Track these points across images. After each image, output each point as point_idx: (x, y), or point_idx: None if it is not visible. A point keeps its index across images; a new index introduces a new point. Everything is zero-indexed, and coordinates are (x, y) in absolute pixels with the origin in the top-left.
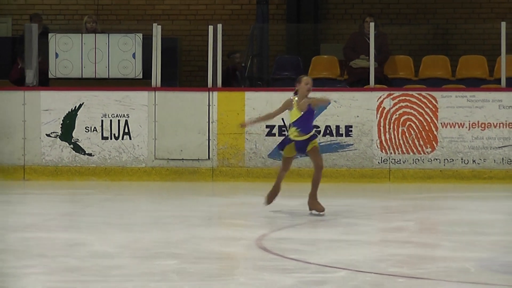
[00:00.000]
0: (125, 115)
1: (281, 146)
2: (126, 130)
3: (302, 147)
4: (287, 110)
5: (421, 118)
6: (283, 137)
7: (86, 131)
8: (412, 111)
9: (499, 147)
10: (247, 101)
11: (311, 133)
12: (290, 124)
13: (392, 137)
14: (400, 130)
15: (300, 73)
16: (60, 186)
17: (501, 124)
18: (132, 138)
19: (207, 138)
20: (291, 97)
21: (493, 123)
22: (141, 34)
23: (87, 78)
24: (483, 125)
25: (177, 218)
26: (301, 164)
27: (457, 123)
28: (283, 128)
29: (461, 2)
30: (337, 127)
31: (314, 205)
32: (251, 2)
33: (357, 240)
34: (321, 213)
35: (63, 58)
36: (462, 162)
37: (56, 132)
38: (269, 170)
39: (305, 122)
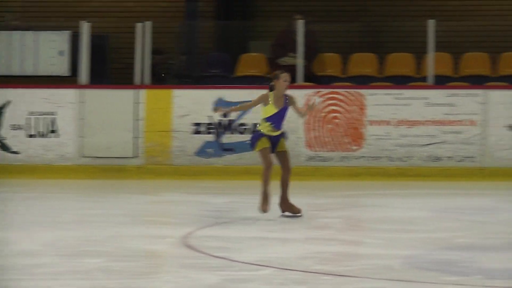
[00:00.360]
0: (52, 113)
1: (253, 143)
2: (53, 128)
3: (274, 142)
4: (260, 105)
5: (348, 116)
6: (251, 136)
7: (12, 129)
8: (339, 108)
9: (425, 145)
10: (175, 99)
11: (282, 130)
12: (263, 119)
13: (319, 134)
14: (327, 128)
15: (229, 70)
16: None
17: (428, 122)
18: (59, 136)
19: (134, 136)
20: (267, 93)
21: (420, 121)
22: (70, 32)
23: (14, 76)
24: (409, 123)
25: (103, 216)
26: (227, 161)
27: (384, 121)
28: (210, 126)
29: (389, 0)
30: None
31: (289, 207)
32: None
33: (283, 238)
34: (298, 214)
35: None
36: (388, 159)
37: None
38: (196, 168)
39: (279, 119)
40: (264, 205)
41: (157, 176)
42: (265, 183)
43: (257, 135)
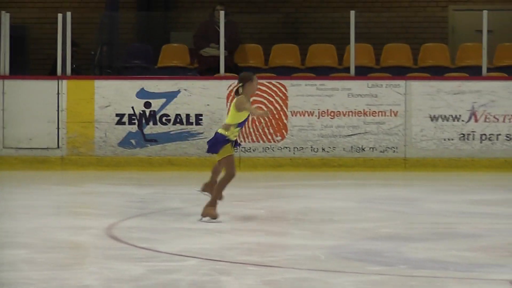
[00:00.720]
0: None
1: (215, 149)
2: None
3: (235, 146)
4: (232, 110)
5: (271, 107)
6: (212, 140)
7: None
8: (262, 99)
9: (348, 135)
10: (96, 90)
11: None
12: (233, 125)
13: None
14: (250, 119)
15: (151, 61)
16: None
17: (350, 113)
18: None
19: (57, 126)
20: (242, 97)
21: (342, 112)
22: None
23: None
24: (332, 114)
25: (26, 207)
26: (150, 152)
27: (307, 112)
28: (133, 117)
29: None
30: (187, 115)
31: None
32: None
33: (207, 229)
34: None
35: None
36: (311, 150)
37: None
38: (119, 159)
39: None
40: (215, 211)
41: (80, 167)
42: (221, 191)
43: (222, 140)
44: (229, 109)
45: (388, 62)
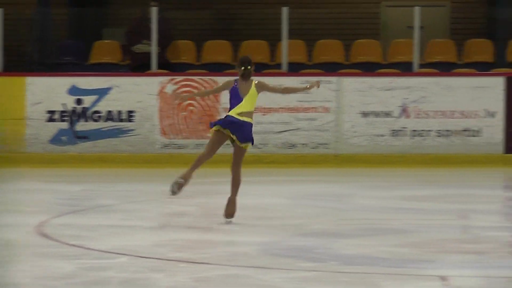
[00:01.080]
0: None
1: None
2: None
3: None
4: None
5: (203, 103)
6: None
7: None
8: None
9: (280, 132)
10: (28, 86)
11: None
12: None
13: (174, 122)
14: (182, 115)
15: (83, 58)
16: None
17: (282, 109)
18: None
19: None
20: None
21: (274, 108)
22: None
23: None
24: (264, 110)
25: None
26: (81, 149)
27: None
28: (64, 114)
29: None
30: (119, 112)
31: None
32: None
33: (138, 226)
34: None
35: None
36: None
37: None
38: (50, 156)
39: None
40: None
41: (11, 164)
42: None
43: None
44: (243, 96)
45: (321, 58)
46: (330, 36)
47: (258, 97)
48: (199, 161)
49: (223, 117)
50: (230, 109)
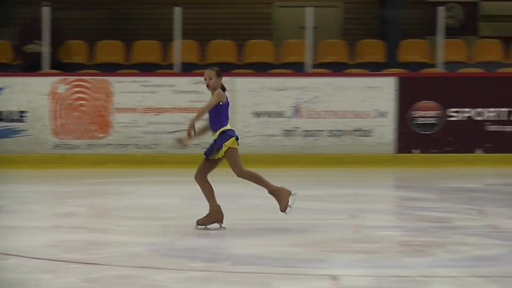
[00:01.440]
0: None
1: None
2: None
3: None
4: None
5: (95, 103)
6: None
7: None
8: (86, 96)
9: (172, 132)
10: None
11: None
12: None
13: (66, 122)
14: (73, 116)
15: None
16: None
17: (174, 109)
18: None
19: None
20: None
21: (167, 108)
22: None
23: None
24: (156, 110)
25: None
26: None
27: (131, 108)
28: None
29: None
30: (10, 112)
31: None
32: None
33: (29, 226)
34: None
35: None
36: (135, 147)
37: None
38: None
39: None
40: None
41: None
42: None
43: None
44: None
45: (213, 58)
46: (223, 36)
47: (148, 97)
48: (258, 177)
49: (230, 130)
50: (226, 122)
